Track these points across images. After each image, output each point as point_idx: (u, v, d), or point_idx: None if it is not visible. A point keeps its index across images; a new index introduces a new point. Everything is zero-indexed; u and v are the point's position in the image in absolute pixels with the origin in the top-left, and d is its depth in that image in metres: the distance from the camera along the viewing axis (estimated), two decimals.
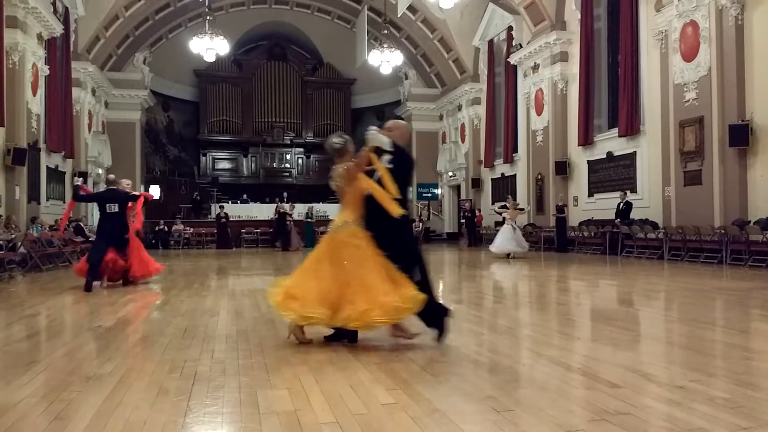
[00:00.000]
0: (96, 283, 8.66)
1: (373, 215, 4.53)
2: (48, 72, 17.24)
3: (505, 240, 14.45)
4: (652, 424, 2.75)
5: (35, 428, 2.78)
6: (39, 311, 6.85)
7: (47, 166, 17.50)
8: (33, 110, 15.96)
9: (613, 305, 7.29)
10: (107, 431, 2.73)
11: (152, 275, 9.61)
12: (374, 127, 4.69)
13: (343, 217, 4.60)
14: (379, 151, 4.63)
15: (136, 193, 9.85)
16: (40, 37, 16.20)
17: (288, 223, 21.12)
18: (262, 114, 30.76)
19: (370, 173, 4.62)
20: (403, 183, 4.63)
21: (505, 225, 14.78)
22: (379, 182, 4.50)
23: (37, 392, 3.37)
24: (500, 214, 15.61)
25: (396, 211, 4.40)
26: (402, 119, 5.06)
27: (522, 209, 16.83)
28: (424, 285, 4.52)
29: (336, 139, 4.73)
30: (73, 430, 2.74)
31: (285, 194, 26.64)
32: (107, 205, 8.78)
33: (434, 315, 4.50)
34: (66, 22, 18.56)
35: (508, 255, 14.47)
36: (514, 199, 17.57)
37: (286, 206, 21.92)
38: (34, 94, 16.04)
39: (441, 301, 4.71)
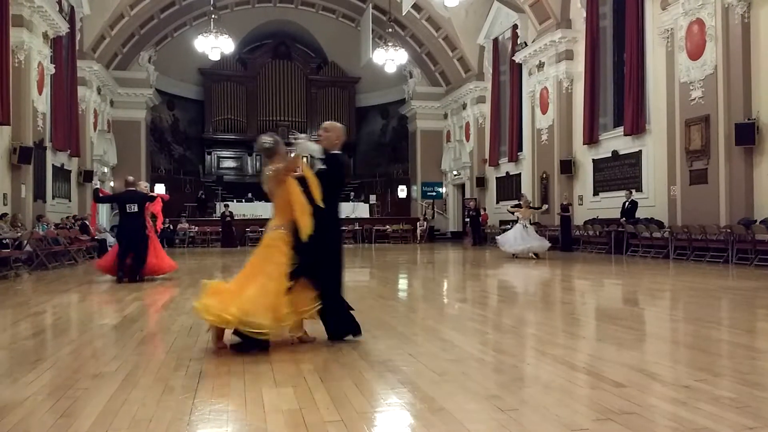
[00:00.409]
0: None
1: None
2: (54, 71, 17.32)
3: (513, 239, 14.23)
4: (657, 424, 2.75)
5: (42, 425, 2.79)
6: (45, 309, 6.88)
7: (53, 164, 17.58)
8: (39, 109, 16.02)
9: (618, 304, 7.27)
10: (113, 428, 2.74)
11: (165, 272, 9.91)
12: (303, 135, 4.57)
13: (276, 221, 4.49)
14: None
15: (153, 194, 10.40)
16: (45, 35, 16.26)
17: None
18: (266, 113, 30.78)
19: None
20: (334, 190, 4.56)
21: (517, 224, 14.57)
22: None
23: (43, 390, 3.38)
24: (512, 213, 15.37)
25: (305, 231, 4.28)
26: (339, 123, 5.03)
27: (536, 208, 16.46)
28: (334, 302, 4.52)
29: (266, 139, 4.56)
30: (80, 428, 2.75)
31: None
32: (127, 205, 9.33)
33: (343, 323, 4.58)
34: (71, 20, 18.62)
35: (513, 255, 14.32)
36: (529, 197, 17.26)
37: None
38: (40, 92, 16.11)
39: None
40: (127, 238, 9.36)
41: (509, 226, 20.89)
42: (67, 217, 17.15)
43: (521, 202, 15.32)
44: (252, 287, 4.23)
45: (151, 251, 9.57)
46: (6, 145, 14.40)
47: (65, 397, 3.22)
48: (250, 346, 4.17)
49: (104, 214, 21.49)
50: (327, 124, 4.79)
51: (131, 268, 9.33)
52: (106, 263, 9.68)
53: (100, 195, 10.69)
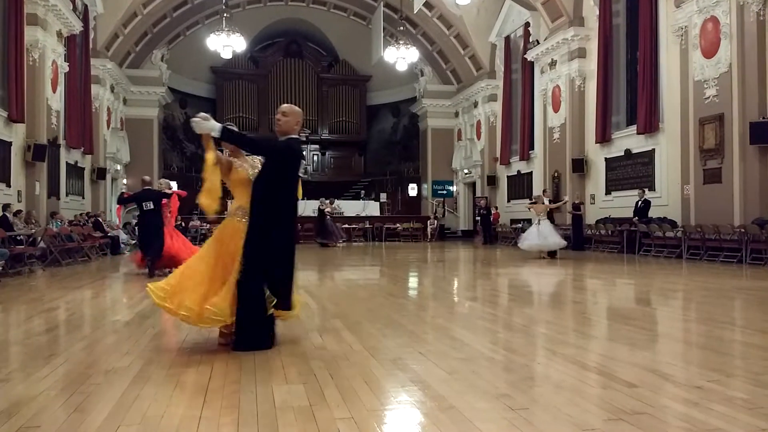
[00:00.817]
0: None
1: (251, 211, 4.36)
2: (67, 69, 17.46)
3: (530, 237, 13.68)
4: (669, 424, 2.72)
5: (55, 420, 2.82)
6: (58, 305, 6.95)
7: (66, 162, 17.75)
8: (53, 107, 16.17)
9: (631, 304, 7.22)
10: (125, 424, 2.76)
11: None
12: (203, 114, 4.33)
13: (231, 206, 4.62)
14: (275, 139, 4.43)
15: (168, 191, 10.88)
16: (59, 34, 16.40)
17: (327, 218, 21.20)
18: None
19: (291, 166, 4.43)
20: (284, 179, 4.32)
21: (540, 221, 13.74)
22: (262, 173, 4.35)
23: (56, 385, 3.42)
24: (529, 209, 14.72)
25: (209, 209, 4.36)
26: (297, 106, 4.64)
27: (553, 201, 15.11)
28: (254, 309, 4.19)
29: None
30: (92, 423, 2.77)
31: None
32: (143, 203, 9.89)
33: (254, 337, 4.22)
34: (85, 19, 18.77)
35: (544, 253, 13.66)
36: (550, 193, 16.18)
37: (326, 202, 22.00)
38: (54, 90, 16.25)
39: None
40: (145, 235, 9.92)
41: (520, 225, 20.88)
42: (81, 214, 17.30)
43: (543, 198, 14.66)
44: (194, 275, 4.33)
45: (169, 244, 9.96)
46: (20, 142, 14.55)
47: (78, 392, 3.25)
48: (251, 344, 4.18)
49: (114, 213, 21.67)
50: (285, 107, 4.49)
51: (148, 262, 9.81)
52: (139, 259, 10.29)
53: (124, 197, 11.40)
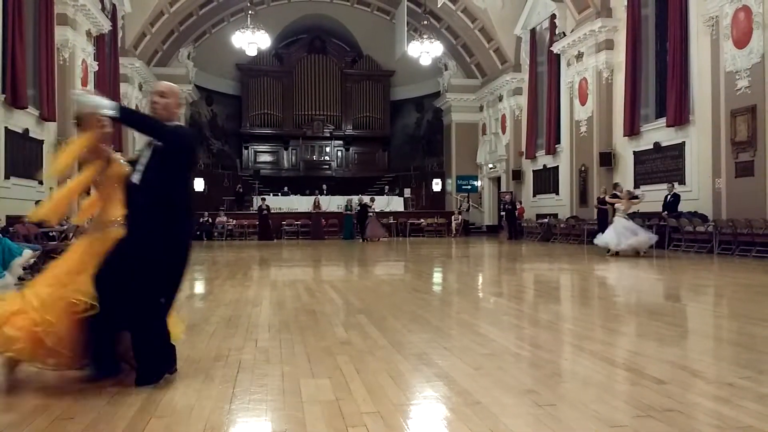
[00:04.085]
0: None
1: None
2: (97, 68, 17.80)
3: (617, 235, 12.50)
4: (699, 421, 2.69)
5: (88, 412, 2.89)
6: None
7: None
8: None
9: (660, 300, 7.11)
10: (157, 416, 2.82)
11: None
12: (81, 88, 3.44)
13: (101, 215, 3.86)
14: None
15: None
16: (89, 33, 16.73)
17: (370, 215, 21.77)
18: (302, 107, 31.05)
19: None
20: (175, 173, 3.36)
21: (616, 217, 12.97)
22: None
23: (89, 378, 3.49)
24: (612, 205, 13.87)
25: (41, 214, 3.57)
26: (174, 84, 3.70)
27: (636, 197, 13.59)
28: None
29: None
30: (125, 414, 2.84)
31: (324, 186, 26.96)
32: None
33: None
34: (113, 18, 19.10)
35: (616, 253, 12.61)
36: (614, 190, 15.04)
37: (366, 199, 22.92)
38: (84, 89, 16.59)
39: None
40: None
41: (546, 220, 20.69)
42: None
43: (619, 193, 13.93)
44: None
45: None
46: (52, 140, 14.89)
47: (110, 385, 3.32)
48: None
49: None
50: (164, 86, 3.48)
51: None
52: None
53: None
